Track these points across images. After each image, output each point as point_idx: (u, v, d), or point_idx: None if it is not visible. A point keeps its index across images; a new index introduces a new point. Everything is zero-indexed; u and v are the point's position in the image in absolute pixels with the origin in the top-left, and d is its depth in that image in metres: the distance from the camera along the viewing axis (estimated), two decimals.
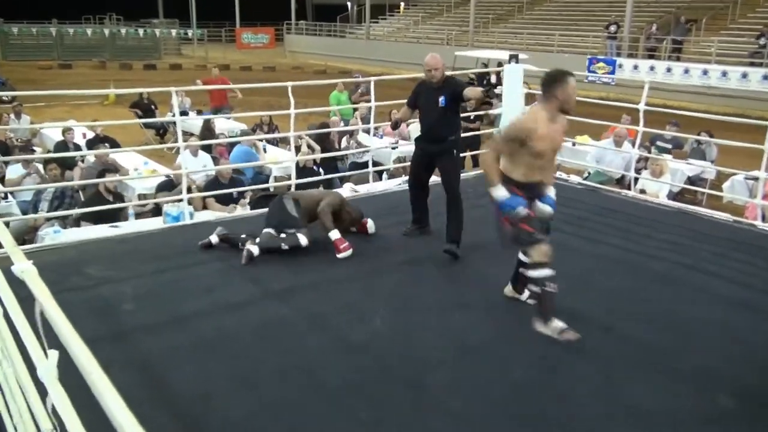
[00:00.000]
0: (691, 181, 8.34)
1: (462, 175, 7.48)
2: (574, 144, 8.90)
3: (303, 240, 4.61)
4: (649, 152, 7.83)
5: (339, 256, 4.62)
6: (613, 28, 21.64)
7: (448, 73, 4.95)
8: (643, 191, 6.80)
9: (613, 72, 20.23)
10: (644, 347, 3.46)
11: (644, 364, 3.27)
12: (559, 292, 4.17)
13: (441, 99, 4.65)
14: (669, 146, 8.83)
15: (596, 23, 23.90)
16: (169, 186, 6.60)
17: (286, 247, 4.61)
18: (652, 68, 19.50)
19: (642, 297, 4.11)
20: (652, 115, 6.19)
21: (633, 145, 6.86)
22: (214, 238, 4.77)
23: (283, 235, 4.65)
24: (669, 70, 19.14)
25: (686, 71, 18.77)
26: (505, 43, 25.34)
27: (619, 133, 7.75)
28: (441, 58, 4.73)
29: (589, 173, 7.96)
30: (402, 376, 3.18)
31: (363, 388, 3.06)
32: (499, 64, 17.34)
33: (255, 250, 4.52)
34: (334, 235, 4.66)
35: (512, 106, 6.63)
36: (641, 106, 5.99)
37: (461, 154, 5.13)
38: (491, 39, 26.27)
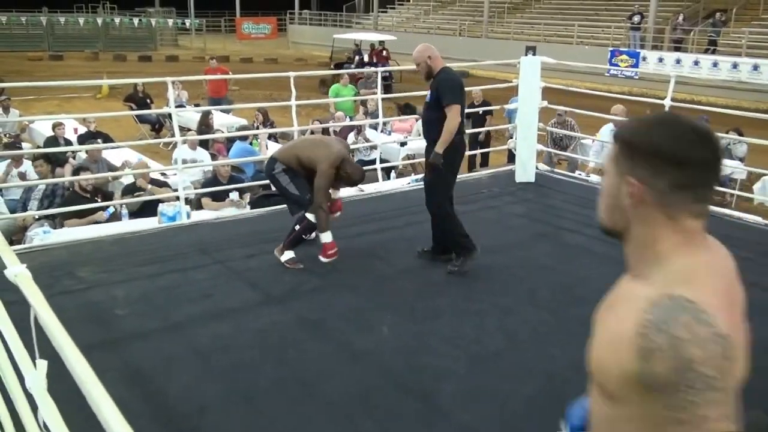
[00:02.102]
0: (719, 181, 8.29)
1: (475, 174, 7.52)
2: (593, 141, 8.86)
3: (312, 217, 4.49)
4: None
5: (322, 259, 4.48)
6: (636, 19, 21.55)
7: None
8: None
9: (636, 65, 20.15)
10: None
11: None
12: (578, 298, 4.17)
13: (429, 94, 4.50)
14: None
15: (618, 13, 23.82)
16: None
17: (312, 236, 4.63)
18: (678, 61, 19.41)
19: None
20: (679, 111, 6.16)
21: None
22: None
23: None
24: (696, 63, 19.05)
25: (715, 65, 18.68)
26: (521, 34, 25.32)
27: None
28: (426, 49, 4.48)
29: None
30: (409, 387, 3.18)
31: (367, 399, 3.06)
32: (372, 46, 19.47)
33: (288, 255, 4.54)
34: (326, 237, 4.47)
35: (528, 101, 6.61)
36: (667, 102, 5.96)
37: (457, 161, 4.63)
38: (506, 30, 26.25)
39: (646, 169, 1.12)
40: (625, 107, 7.56)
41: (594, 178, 7.08)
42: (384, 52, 19.56)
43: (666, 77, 6.55)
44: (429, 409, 3.01)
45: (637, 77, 19.71)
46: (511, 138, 7.47)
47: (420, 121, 9.69)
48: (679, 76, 7.31)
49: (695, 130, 1.11)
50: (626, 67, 20.26)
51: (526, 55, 7.27)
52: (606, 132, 7.66)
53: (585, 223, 5.57)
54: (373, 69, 10.79)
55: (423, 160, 8.96)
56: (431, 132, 4.50)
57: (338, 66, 19.21)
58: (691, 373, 0.99)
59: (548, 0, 28.24)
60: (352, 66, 18.73)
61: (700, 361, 1.00)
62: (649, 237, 1.16)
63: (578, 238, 5.25)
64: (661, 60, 19.94)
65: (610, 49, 21.17)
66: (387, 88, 16.21)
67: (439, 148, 4.33)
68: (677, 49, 20.48)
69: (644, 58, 20.28)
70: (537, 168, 6.85)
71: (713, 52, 19.65)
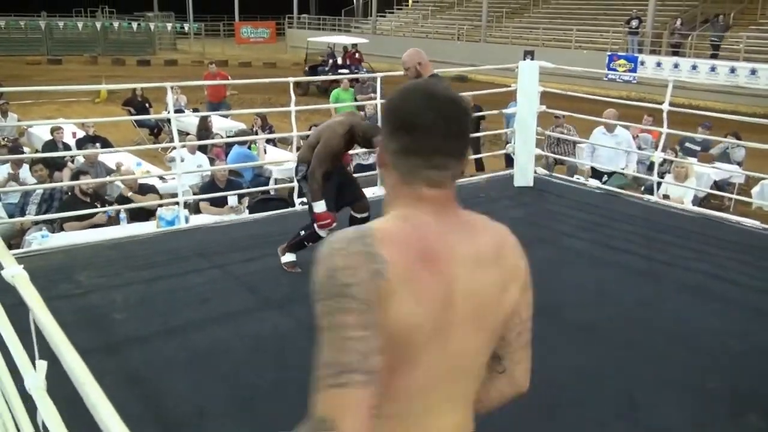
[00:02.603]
0: (717, 185, 8.31)
1: (473, 178, 7.52)
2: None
3: (320, 230, 4.36)
4: (677, 155, 7.82)
5: (318, 230, 4.32)
6: (634, 23, 21.61)
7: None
8: (666, 196, 6.78)
9: (634, 69, 20.19)
10: (669, 363, 3.44)
11: (669, 382, 3.25)
12: (576, 302, 4.16)
13: None
14: (697, 148, 8.81)
15: (616, 18, 23.88)
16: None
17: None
18: (676, 66, 19.45)
19: (666, 309, 4.09)
20: (677, 115, 6.17)
21: (656, 147, 6.84)
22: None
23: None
24: (694, 67, 19.09)
25: (713, 69, 18.71)
26: (519, 38, 25.36)
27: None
28: (416, 54, 4.36)
29: (608, 176, 7.95)
30: None
31: None
32: (345, 49, 20.19)
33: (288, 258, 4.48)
34: (318, 207, 4.26)
35: (527, 106, 6.62)
36: (665, 107, 5.97)
37: None
38: (505, 34, 26.30)
39: (385, 133, 1.16)
40: (618, 111, 7.60)
41: (593, 182, 7.10)
42: (357, 55, 20.16)
43: (664, 81, 6.57)
44: None
45: (635, 81, 19.75)
46: (510, 142, 7.47)
47: None
48: (677, 81, 7.33)
49: (429, 97, 1.11)
50: (624, 71, 20.30)
51: (524, 59, 7.28)
52: (598, 135, 7.75)
53: (583, 227, 5.58)
54: (368, 75, 10.77)
55: None
56: None
57: (312, 68, 19.78)
58: (333, 279, 1.04)
59: (546, 4, 28.31)
60: (327, 68, 19.33)
61: (341, 268, 1.04)
62: (389, 197, 1.20)
63: (577, 242, 5.25)
64: (659, 64, 19.98)
65: (608, 53, 21.22)
66: None
67: None
68: (675, 54, 20.53)
69: (642, 63, 20.32)
70: (535, 172, 6.86)
71: (716, 56, 19.68)
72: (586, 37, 23.43)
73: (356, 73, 18.73)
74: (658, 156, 6.40)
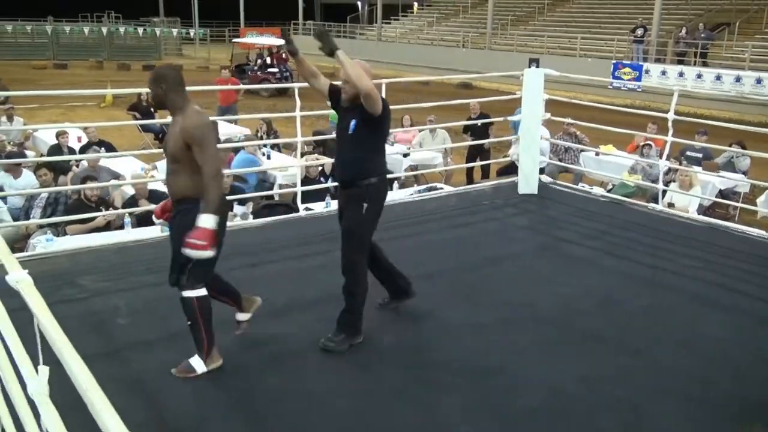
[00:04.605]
0: (722, 194, 8.29)
1: (478, 185, 7.52)
2: (597, 154, 8.88)
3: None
4: (680, 164, 7.81)
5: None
6: (639, 32, 21.62)
7: None
8: (671, 205, 6.76)
9: (639, 78, 20.19)
10: (674, 372, 3.42)
11: (674, 391, 3.24)
12: (582, 311, 4.14)
13: (352, 123, 3.54)
14: (699, 155, 8.80)
15: (622, 26, 23.90)
16: None
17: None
18: (681, 74, 19.46)
19: (671, 317, 4.08)
20: (682, 124, 6.16)
21: (661, 156, 6.83)
22: None
23: None
24: (699, 76, 19.08)
25: (718, 78, 18.70)
26: (524, 46, 25.39)
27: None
28: (369, 70, 3.61)
29: (614, 185, 7.94)
30: (411, 397, 3.17)
31: (369, 410, 3.05)
32: (270, 50, 21.00)
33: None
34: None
35: (532, 113, 6.62)
36: (670, 115, 5.97)
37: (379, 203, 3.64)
38: (510, 42, 26.33)
39: None
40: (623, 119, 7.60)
41: (597, 190, 7.09)
42: (284, 55, 20.90)
43: (669, 90, 6.57)
44: (430, 423, 2.99)
45: (640, 90, 19.74)
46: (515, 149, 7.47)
47: (397, 137, 9.73)
48: (682, 90, 7.33)
49: None
50: (629, 79, 20.30)
51: (529, 67, 7.29)
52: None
53: (588, 235, 5.57)
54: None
55: (425, 171, 8.89)
56: (349, 172, 3.58)
57: (239, 67, 20.73)
58: None
59: (552, 13, 28.35)
60: (255, 67, 20.67)
61: None
62: None
63: (581, 250, 5.24)
64: (664, 73, 19.98)
65: (614, 61, 21.23)
66: (283, 90, 18.41)
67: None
68: (680, 62, 20.53)
69: (647, 71, 20.33)
70: (540, 179, 6.85)
71: (704, 64, 19.69)
72: (592, 46, 23.45)
73: (284, 71, 20.60)
74: (663, 165, 6.39)
